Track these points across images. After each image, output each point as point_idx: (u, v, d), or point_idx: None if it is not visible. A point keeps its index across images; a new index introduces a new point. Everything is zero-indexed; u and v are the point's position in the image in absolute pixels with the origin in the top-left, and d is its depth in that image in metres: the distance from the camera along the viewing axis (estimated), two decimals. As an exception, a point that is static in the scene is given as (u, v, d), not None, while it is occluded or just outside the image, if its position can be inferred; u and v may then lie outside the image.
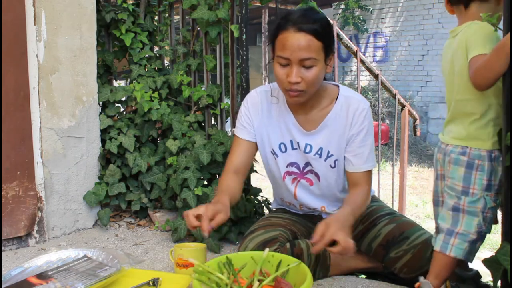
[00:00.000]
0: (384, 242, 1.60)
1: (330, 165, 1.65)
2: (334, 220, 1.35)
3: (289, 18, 1.46)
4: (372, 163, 1.62)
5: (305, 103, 1.59)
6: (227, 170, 1.67)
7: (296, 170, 1.69)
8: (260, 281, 1.32)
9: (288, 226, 1.69)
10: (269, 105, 1.68)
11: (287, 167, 1.69)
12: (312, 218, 1.78)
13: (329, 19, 1.65)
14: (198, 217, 1.40)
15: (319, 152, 1.63)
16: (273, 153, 1.69)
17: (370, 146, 1.62)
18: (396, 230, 1.60)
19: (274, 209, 1.90)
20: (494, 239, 3.62)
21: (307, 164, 1.67)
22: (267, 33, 7.91)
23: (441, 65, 1.49)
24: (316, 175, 1.67)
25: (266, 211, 2.26)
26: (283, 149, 1.68)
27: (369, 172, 1.62)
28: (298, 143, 1.64)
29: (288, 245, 1.56)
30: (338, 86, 1.67)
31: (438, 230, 1.40)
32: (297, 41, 1.42)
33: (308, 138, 1.63)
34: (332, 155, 1.63)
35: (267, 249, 1.39)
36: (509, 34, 1.12)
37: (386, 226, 1.63)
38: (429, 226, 4.08)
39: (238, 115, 1.74)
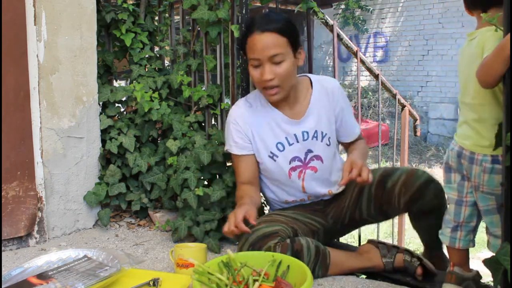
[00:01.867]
0: (381, 177, 1.72)
1: (326, 144, 1.76)
2: (356, 158, 1.56)
3: (253, 23, 1.61)
4: (358, 125, 1.90)
5: (287, 99, 1.71)
6: (240, 183, 1.76)
7: (299, 163, 1.75)
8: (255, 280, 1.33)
9: (290, 224, 1.70)
10: (252, 113, 1.75)
11: (290, 163, 1.74)
12: (315, 206, 1.83)
13: (329, 19, 1.74)
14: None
15: (315, 135, 1.74)
16: (272, 156, 1.74)
17: (352, 113, 1.88)
18: (388, 169, 1.76)
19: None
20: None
21: (308, 152, 1.74)
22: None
23: (458, 67, 1.51)
24: (319, 157, 1.76)
25: (266, 211, 2.26)
26: (281, 148, 1.74)
27: (360, 133, 1.89)
28: (295, 135, 1.73)
29: (288, 240, 1.57)
30: (306, 75, 1.82)
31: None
32: (263, 40, 1.56)
33: (301, 126, 1.73)
34: (326, 134, 1.75)
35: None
36: (509, 35, 1.12)
37: (378, 173, 1.75)
38: (429, 226, 4.08)
39: (226, 134, 1.79)
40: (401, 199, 1.67)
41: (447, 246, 1.55)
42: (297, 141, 1.73)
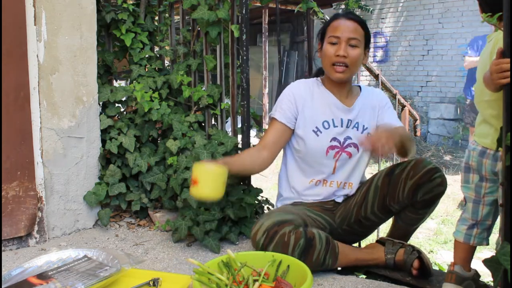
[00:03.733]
0: (390, 168, 1.82)
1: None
2: (383, 129, 1.66)
3: (339, 14, 1.88)
4: (400, 122, 1.98)
5: (343, 88, 1.90)
6: (258, 144, 1.90)
7: (337, 144, 1.88)
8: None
9: (302, 215, 1.77)
10: (309, 90, 1.91)
11: (330, 141, 1.87)
12: (326, 206, 1.91)
13: (328, 18, 1.86)
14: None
15: (356, 126, 1.90)
16: (316, 131, 1.87)
17: (395, 114, 2.00)
18: (393, 165, 1.84)
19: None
20: (494, 239, 3.62)
21: (347, 138, 1.88)
22: (267, 33, 7.91)
23: (478, 68, 1.52)
24: (355, 146, 1.88)
25: (266, 211, 2.26)
26: (326, 126, 1.88)
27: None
28: (341, 119, 1.88)
29: (301, 228, 1.63)
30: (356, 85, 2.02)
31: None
32: (347, 24, 1.81)
33: (348, 114, 1.89)
34: (366, 128, 1.90)
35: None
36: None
37: (382, 172, 1.85)
38: (429, 226, 4.08)
39: (278, 101, 1.93)
40: (408, 183, 1.72)
41: (455, 244, 1.55)
42: (341, 126, 1.88)
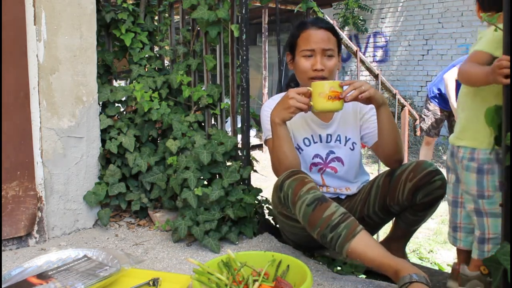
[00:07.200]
0: (392, 170, 1.77)
1: (350, 148, 1.86)
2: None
3: (306, 22, 1.80)
4: None
5: None
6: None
7: (320, 161, 1.86)
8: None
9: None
10: None
11: (312, 159, 1.86)
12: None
13: (329, 19, 1.83)
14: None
15: (338, 139, 1.86)
16: (298, 148, 1.85)
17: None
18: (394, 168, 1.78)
19: None
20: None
21: (330, 152, 1.86)
22: (267, 33, 7.91)
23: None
24: (340, 159, 1.86)
25: (266, 211, 2.26)
26: (307, 143, 1.86)
27: None
28: (320, 136, 1.85)
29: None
30: None
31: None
32: (320, 34, 1.74)
33: (327, 129, 1.85)
34: (349, 138, 1.85)
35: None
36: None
37: (384, 173, 1.80)
38: (429, 226, 4.08)
39: (261, 125, 1.88)
40: (407, 185, 1.68)
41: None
42: (320, 141, 1.85)
